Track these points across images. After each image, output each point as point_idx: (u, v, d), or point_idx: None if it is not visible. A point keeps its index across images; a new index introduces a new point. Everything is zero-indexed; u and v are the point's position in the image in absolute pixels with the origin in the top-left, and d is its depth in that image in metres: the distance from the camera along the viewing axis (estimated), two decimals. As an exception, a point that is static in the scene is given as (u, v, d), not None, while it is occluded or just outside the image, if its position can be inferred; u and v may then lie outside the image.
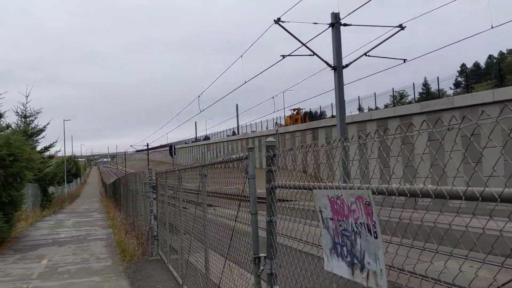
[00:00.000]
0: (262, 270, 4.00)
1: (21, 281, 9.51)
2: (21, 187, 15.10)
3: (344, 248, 2.68)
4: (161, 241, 11.95)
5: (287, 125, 52.38)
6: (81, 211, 31.02)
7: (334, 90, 17.10)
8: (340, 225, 2.71)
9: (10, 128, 15.03)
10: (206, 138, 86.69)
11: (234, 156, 4.57)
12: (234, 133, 74.05)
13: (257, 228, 4.17)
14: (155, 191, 12.06)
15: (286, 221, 4.09)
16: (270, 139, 4.06)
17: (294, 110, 53.31)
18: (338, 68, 16.58)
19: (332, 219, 2.81)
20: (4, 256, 12.71)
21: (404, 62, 17.62)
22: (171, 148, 46.10)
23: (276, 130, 50.81)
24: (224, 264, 5.18)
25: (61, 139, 48.91)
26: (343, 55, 17.01)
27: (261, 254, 4.06)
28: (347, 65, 16.77)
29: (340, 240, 2.74)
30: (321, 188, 2.90)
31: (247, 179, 4.31)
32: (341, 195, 2.64)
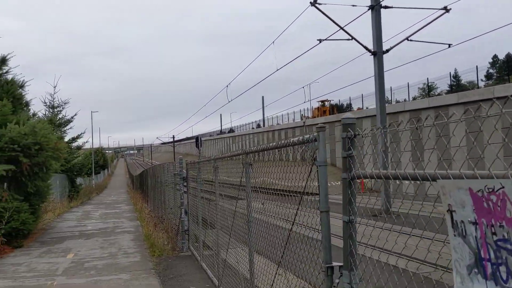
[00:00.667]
0: (338, 283, 3.09)
1: (46, 277, 8.84)
2: (48, 177, 14.53)
3: (502, 268, 1.75)
4: (192, 236, 11.19)
5: (315, 117, 51.20)
6: (108, 202, 30.69)
7: (361, 82, 15.99)
8: (493, 233, 1.78)
9: (36, 117, 14.42)
10: (231, 130, 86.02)
11: (295, 139, 3.66)
12: (258, 126, 73.17)
13: (329, 230, 3.26)
14: (185, 183, 11.26)
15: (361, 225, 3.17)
16: (348, 114, 3.13)
17: (321, 102, 52.02)
18: (378, 53, 15.45)
19: (475, 223, 1.87)
20: (29, 249, 12.15)
21: (449, 47, 16.37)
22: (197, 140, 45.48)
23: (304, 122, 49.68)
24: (277, 271, 4.29)
25: (89, 131, 48.88)
26: (382, 40, 15.87)
27: (335, 263, 3.16)
28: (387, 50, 15.63)
29: (492, 255, 1.80)
30: (456, 178, 1.96)
31: (313, 167, 3.40)
32: (501, 187, 1.71)
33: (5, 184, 12.62)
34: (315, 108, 53.00)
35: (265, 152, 4.92)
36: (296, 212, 3.79)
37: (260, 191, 5.01)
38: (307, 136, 3.44)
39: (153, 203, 20.86)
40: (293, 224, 3.88)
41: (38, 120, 12.82)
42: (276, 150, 4.35)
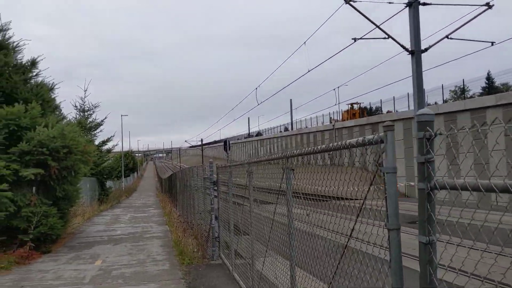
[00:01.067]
0: (413, 319, 2.49)
1: (72, 285, 8.47)
2: (76, 181, 14.31)
3: None
4: (222, 243, 10.69)
5: (344, 120, 50.21)
6: (137, 206, 30.60)
7: (395, 83, 15.21)
8: None
9: (66, 120, 14.22)
10: (259, 134, 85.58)
11: (354, 141, 3.07)
12: (286, 129, 72.55)
13: (400, 252, 2.66)
14: (216, 188, 10.77)
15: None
16: (424, 110, 2.53)
17: (351, 104, 50.99)
18: (416, 52, 14.65)
19: None
20: (57, 254, 11.88)
21: (492, 45, 15.42)
22: (225, 143, 45.18)
23: (333, 125, 48.78)
24: (327, 293, 3.70)
25: (118, 134, 49.25)
26: (420, 38, 15.07)
27: (408, 293, 2.56)
28: (426, 49, 14.81)
29: None
30: None
31: (378, 173, 2.81)
32: None
33: (34, 188, 12.41)
34: (344, 111, 51.99)
35: (307, 156, 4.34)
36: (353, 227, 3.20)
37: (304, 198, 4.41)
38: (370, 137, 2.85)
39: (182, 207, 20.51)
40: (348, 240, 3.29)
41: (67, 123, 12.58)
42: (326, 153, 3.76)
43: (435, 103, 38.14)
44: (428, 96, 40.98)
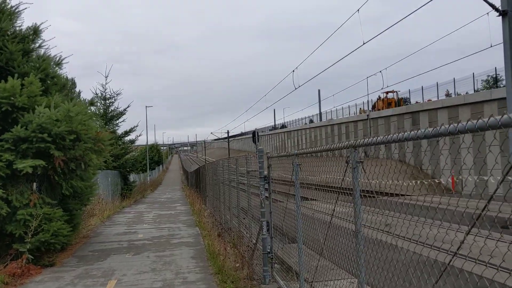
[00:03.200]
0: None
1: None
2: (89, 175, 11.67)
3: None
4: (276, 259, 7.85)
5: (379, 109, 46.69)
6: (163, 201, 28.08)
7: (499, 45, 12.01)
8: None
9: (76, 100, 11.45)
10: (283, 126, 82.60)
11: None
12: (311, 121, 69.41)
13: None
14: (267, 186, 7.89)
15: None
16: None
17: (386, 93, 47.37)
18: (510, 12, 11.47)
19: None
20: (62, 269, 9.21)
21: None
22: (254, 135, 42.18)
23: (367, 115, 45.38)
24: None
25: (142, 126, 46.92)
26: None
27: None
28: (522, 8, 11.58)
29: None
30: None
31: None
32: None
33: (34, 184, 9.79)
34: (379, 100, 48.34)
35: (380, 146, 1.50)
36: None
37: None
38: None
39: (213, 204, 17.80)
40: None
41: (75, 103, 9.90)
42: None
43: (466, 92, 34.65)
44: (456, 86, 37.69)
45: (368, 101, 52.91)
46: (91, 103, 11.65)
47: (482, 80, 39.56)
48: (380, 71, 30.90)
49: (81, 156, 9.96)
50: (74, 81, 13.32)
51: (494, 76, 35.00)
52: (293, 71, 25.81)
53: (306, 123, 69.82)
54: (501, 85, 35.86)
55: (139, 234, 13.45)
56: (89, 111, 10.94)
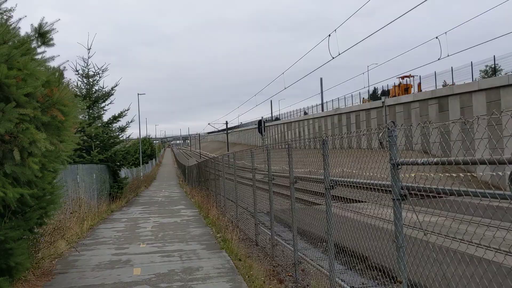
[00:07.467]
0: None
1: None
2: (47, 175, 6.26)
3: None
4: None
5: (394, 96, 41.66)
6: (161, 201, 22.69)
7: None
8: None
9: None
10: (276, 119, 78.61)
11: None
12: (305, 113, 64.95)
13: None
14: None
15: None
16: None
17: (402, 77, 42.32)
18: None
19: None
20: None
21: None
22: (259, 124, 36.77)
23: (383, 102, 40.21)
24: None
25: (133, 109, 41.21)
26: None
27: None
28: None
29: None
30: None
31: None
32: None
33: None
34: (395, 86, 43.25)
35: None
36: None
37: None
38: None
39: (237, 210, 12.55)
40: None
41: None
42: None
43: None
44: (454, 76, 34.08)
45: (368, 91, 48.01)
46: (40, 32, 6.07)
47: (480, 70, 36.09)
48: (437, 37, 25.54)
49: (11, 135, 4.60)
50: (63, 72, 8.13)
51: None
52: (283, 73, 20.41)
53: (300, 115, 65.57)
54: (501, 74, 31.76)
55: (134, 267, 8.08)
56: (34, 51, 5.54)
